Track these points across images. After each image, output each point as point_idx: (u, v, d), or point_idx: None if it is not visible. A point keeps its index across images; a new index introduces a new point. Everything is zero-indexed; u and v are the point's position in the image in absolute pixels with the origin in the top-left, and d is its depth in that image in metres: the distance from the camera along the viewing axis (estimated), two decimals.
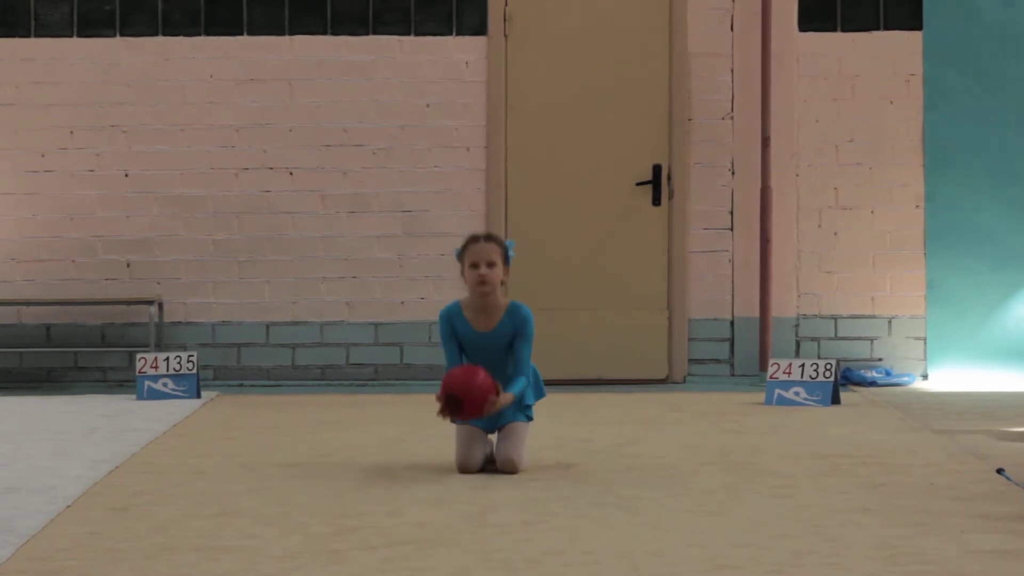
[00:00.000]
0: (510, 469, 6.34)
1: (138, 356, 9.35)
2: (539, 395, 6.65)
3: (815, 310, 10.31)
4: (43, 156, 10.27)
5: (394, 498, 5.75)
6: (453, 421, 6.35)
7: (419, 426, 7.80)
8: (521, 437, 6.42)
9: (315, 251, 10.29)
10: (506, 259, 6.45)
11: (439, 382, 6.38)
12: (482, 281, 6.37)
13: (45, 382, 10.29)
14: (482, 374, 6.23)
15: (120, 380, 10.25)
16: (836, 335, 10.30)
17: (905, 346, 10.29)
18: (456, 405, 6.18)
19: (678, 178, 10.23)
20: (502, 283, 6.45)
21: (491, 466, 6.44)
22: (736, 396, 9.35)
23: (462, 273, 6.47)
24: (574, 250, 10.25)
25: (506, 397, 6.29)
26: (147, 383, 9.25)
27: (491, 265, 6.38)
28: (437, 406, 6.23)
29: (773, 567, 4.53)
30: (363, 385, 10.22)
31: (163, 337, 10.19)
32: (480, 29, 10.27)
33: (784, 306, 10.26)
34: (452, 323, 6.47)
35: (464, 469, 6.37)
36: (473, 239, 6.49)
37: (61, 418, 8.32)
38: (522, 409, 6.49)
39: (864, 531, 5.06)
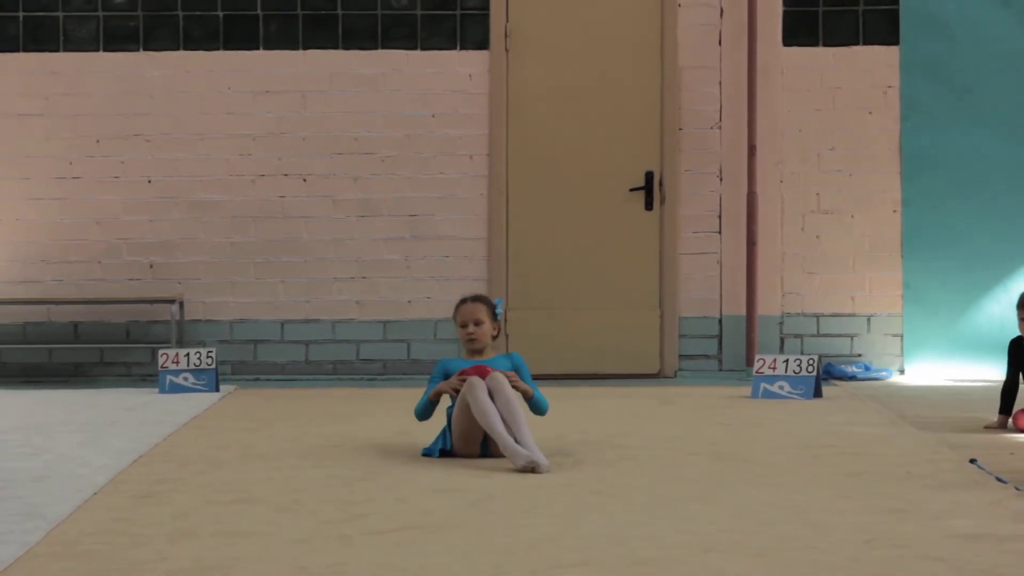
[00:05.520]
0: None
1: (160, 352, 9.35)
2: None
3: (798, 309, 10.30)
4: (71, 163, 10.27)
5: (401, 486, 5.75)
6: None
7: None
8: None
9: (327, 253, 10.29)
10: (494, 315, 6.53)
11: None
12: (471, 339, 6.50)
13: (73, 377, 10.29)
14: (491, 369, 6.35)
15: (143, 375, 10.25)
16: (818, 332, 10.29)
17: (883, 343, 10.28)
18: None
19: (669, 184, 10.23)
20: (494, 337, 6.55)
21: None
22: (724, 390, 9.34)
23: (457, 332, 6.58)
24: (571, 252, 10.24)
25: (526, 386, 6.36)
26: (169, 377, 9.25)
27: (478, 323, 6.48)
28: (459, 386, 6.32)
29: (758, 551, 4.52)
30: (372, 379, 10.22)
31: (184, 334, 10.19)
32: (482, 44, 10.26)
33: (769, 305, 10.26)
34: (447, 368, 6.52)
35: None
36: (461, 301, 6.59)
37: (88, 411, 8.31)
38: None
39: (844, 517, 5.05)
